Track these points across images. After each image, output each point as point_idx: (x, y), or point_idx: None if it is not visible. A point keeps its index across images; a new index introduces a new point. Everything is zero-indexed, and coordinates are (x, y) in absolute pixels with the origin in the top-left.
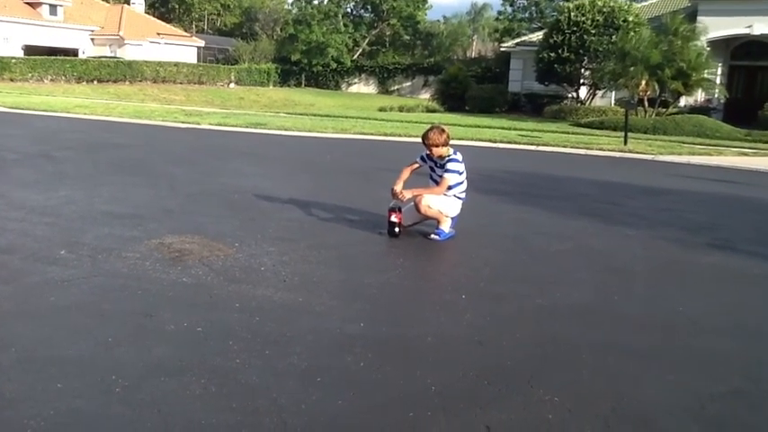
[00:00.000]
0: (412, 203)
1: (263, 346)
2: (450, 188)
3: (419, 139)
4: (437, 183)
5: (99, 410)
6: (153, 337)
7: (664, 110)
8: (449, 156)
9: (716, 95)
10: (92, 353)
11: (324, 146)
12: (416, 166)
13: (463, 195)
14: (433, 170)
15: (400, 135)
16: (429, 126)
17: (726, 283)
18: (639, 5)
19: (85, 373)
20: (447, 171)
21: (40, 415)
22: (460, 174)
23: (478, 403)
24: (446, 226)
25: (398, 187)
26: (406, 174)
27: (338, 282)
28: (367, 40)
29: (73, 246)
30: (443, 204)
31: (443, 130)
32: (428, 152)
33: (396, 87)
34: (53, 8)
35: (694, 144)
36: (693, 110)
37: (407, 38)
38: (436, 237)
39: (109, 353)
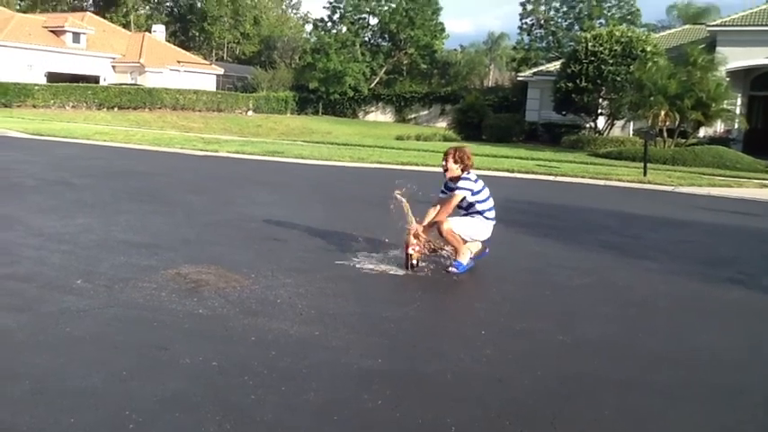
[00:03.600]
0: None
1: (279, 382)
2: (471, 207)
3: (436, 169)
4: (461, 208)
5: None
6: (168, 371)
7: (683, 140)
8: (461, 176)
9: (736, 126)
10: (105, 386)
11: (341, 175)
12: (439, 203)
13: (492, 216)
14: (446, 194)
15: (417, 164)
16: (455, 147)
17: (750, 318)
18: (657, 36)
19: (99, 407)
20: (457, 188)
21: None
22: (475, 192)
23: None
24: (464, 258)
25: (420, 228)
26: (431, 213)
27: (355, 315)
28: (384, 69)
29: (89, 275)
30: (469, 228)
31: (467, 153)
32: (444, 169)
33: (413, 116)
34: (76, 36)
35: (714, 175)
36: (713, 140)
37: (425, 67)
38: (454, 269)
39: (123, 386)
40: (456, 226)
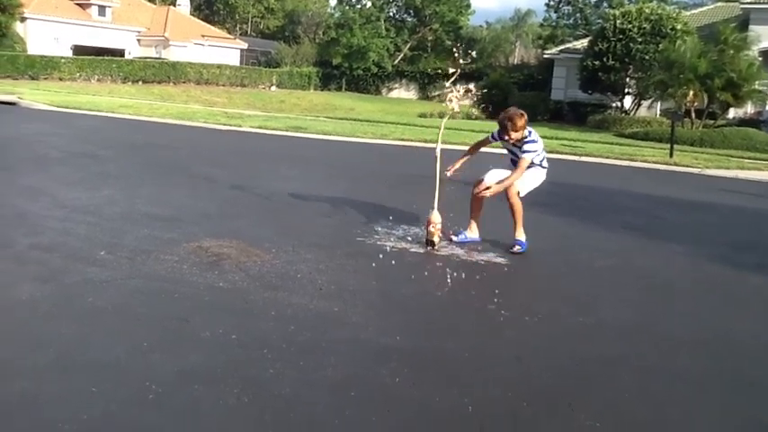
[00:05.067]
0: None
1: (298, 357)
2: (532, 163)
3: (459, 147)
4: (516, 163)
5: (132, 416)
6: (188, 344)
7: (711, 122)
8: (524, 138)
9: (767, 108)
10: (127, 357)
11: (363, 151)
12: (485, 142)
13: (546, 164)
14: (511, 152)
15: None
16: (510, 111)
17: None
18: (688, 14)
19: (120, 378)
20: (525, 152)
21: (74, 419)
22: (538, 152)
23: (517, 425)
24: (522, 234)
25: (457, 165)
26: (471, 151)
27: (375, 292)
28: (408, 45)
29: (113, 247)
30: (530, 183)
31: (522, 114)
32: (505, 135)
33: (436, 93)
34: (102, 9)
35: (743, 158)
36: (743, 122)
37: (449, 43)
38: (519, 248)
39: (144, 358)
40: (523, 188)
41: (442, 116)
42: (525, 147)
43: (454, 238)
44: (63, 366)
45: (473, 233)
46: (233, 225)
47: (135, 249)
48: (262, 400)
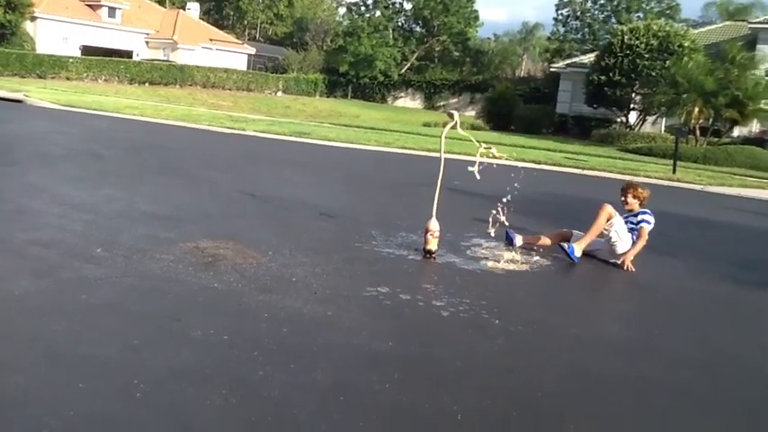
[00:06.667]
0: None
1: (289, 359)
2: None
3: (462, 157)
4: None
5: (118, 413)
6: (179, 343)
7: (716, 139)
8: (641, 210)
9: None
10: (117, 354)
11: (366, 158)
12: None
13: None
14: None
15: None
16: (634, 182)
17: None
18: (696, 31)
19: (109, 375)
20: (644, 222)
21: (60, 414)
22: (651, 223)
23: None
24: (579, 251)
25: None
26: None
27: (369, 297)
28: (416, 55)
29: (109, 244)
30: (625, 240)
31: (645, 190)
32: (624, 203)
33: (442, 103)
34: (112, 10)
35: (746, 176)
36: (747, 141)
37: (457, 54)
38: (566, 250)
39: (134, 355)
40: (618, 223)
41: (445, 125)
42: (645, 217)
43: (509, 232)
44: (53, 361)
45: (519, 242)
46: (231, 226)
47: (131, 248)
48: (250, 401)
